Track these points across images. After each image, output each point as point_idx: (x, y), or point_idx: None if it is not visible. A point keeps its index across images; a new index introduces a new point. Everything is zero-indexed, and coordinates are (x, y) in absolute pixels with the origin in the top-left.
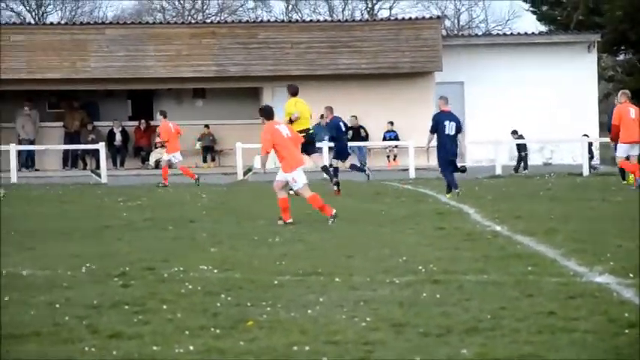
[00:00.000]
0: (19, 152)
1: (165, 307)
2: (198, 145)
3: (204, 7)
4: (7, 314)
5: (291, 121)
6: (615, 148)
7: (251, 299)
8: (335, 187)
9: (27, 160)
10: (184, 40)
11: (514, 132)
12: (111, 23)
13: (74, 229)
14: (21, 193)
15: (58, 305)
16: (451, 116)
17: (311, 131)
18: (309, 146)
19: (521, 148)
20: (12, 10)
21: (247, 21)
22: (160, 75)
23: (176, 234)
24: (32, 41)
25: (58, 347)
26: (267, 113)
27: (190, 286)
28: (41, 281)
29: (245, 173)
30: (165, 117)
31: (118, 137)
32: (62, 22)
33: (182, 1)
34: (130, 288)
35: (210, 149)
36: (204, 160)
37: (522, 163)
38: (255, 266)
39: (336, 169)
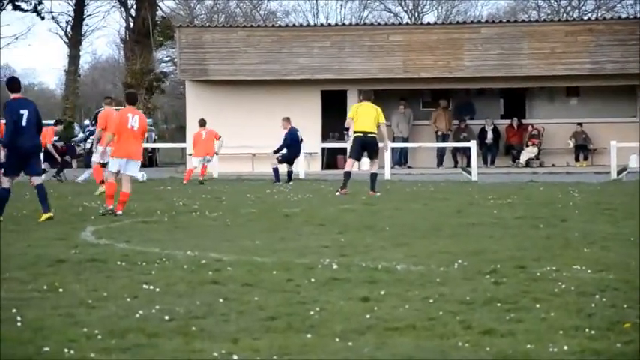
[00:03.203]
0: (393, 150)
1: (538, 305)
2: (571, 144)
3: (580, 4)
4: (385, 307)
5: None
6: None
7: (627, 300)
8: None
9: (400, 158)
10: (559, 38)
11: None
12: (486, 22)
13: (445, 225)
14: (395, 189)
15: (431, 300)
16: None
17: (370, 135)
18: (372, 151)
19: None
20: (390, 10)
21: (627, 17)
22: (533, 73)
23: (547, 233)
24: (408, 41)
25: (433, 341)
26: (128, 97)
27: (563, 286)
28: (414, 276)
29: (619, 173)
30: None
31: (490, 135)
32: (438, 21)
33: None
34: (502, 285)
35: (582, 148)
36: (577, 159)
37: None
38: (631, 267)
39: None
